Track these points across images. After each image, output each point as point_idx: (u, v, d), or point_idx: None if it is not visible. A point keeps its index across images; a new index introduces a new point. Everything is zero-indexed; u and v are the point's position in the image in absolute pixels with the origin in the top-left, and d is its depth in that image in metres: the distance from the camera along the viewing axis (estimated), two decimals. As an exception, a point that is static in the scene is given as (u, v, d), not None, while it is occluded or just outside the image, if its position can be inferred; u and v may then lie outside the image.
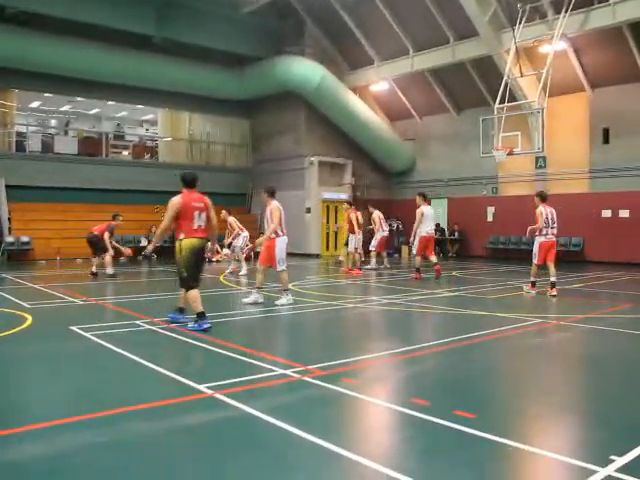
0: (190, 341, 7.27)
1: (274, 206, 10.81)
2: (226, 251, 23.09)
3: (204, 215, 8.31)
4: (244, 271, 16.29)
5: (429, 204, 15.86)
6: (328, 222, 25.92)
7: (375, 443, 4.25)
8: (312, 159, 25.33)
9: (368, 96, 26.67)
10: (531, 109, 19.99)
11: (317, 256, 24.81)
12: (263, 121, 27.79)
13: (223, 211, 16.49)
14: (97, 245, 15.25)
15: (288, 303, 10.54)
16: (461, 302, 11.07)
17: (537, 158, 22.31)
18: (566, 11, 18.70)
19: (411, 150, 27.27)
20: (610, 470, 3.54)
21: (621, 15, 18.08)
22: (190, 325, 8.06)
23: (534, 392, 5.66)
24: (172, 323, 8.39)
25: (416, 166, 27.41)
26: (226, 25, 23.93)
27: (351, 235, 17.28)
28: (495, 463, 3.79)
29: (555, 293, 11.71)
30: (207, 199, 8.49)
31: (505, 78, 19.95)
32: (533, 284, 12.31)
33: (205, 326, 7.90)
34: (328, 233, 26.00)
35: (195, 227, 8.19)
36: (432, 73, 24.24)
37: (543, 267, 12.16)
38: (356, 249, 17.13)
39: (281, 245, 10.71)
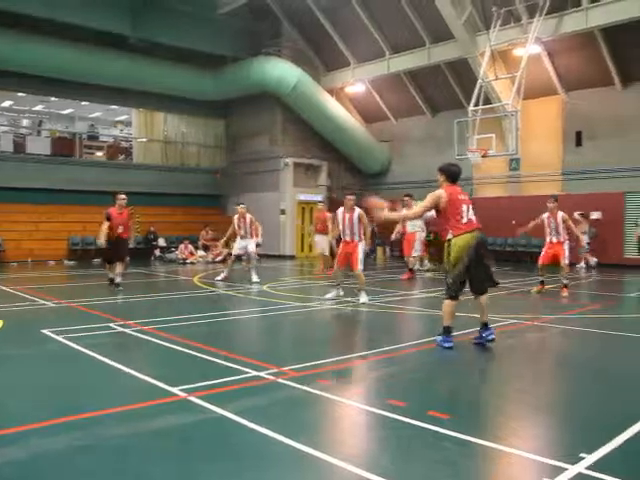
0: (164, 344, 7.21)
1: (361, 212, 11.21)
2: (201, 253, 23.05)
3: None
4: (224, 275, 15.25)
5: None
6: (303, 223, 25.90)
7: (349, 444, 4.25)
8: (287, 160, 25.30)
9: (344, 97, 26.74)
10: (505, 112, 20.17)
11: (292, 257, 24.79)
12: (238, 122, 27.71)
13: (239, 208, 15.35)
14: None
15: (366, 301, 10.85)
16: (436, 303, 11.09)
17: (511, 160, 22.49)
18: (540, 15, 18.93)
19: (386, 152, 27.36)
20: (580, 467, 3.59)
21: (593, 20, 18.38)
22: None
23: (507, 392, 5.71)
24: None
25: (391, 167, 27.49)
26: (202, 26, 23.82)
27: (321, 236, 17.01)
28: (468, 463, 3.81)
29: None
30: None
31: (480, 81, 20.11)
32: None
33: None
34: (303, 234, 25.98)
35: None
36: (408, 75, 24.37)
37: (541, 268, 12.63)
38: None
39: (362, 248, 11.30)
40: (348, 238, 11.25)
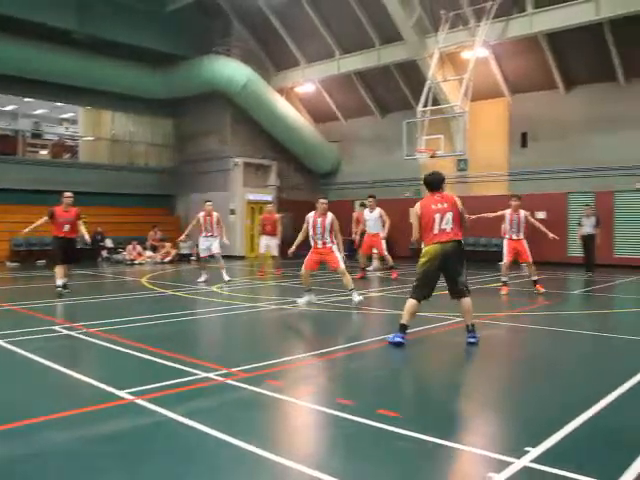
0: (111, 346, 7.07)
1: (333, 217, 10.91)
2: (149, 253, 22.71)
3: None
4: (205, 277, 14.77)
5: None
6: (253, 224, 25.77)
7: (300, 445, 4.24)
8: (237, 160, 25.17)
9: (294, 97, 26.75)
10: (453, 113, 20.47)
11: (241, 258, 24.64)
12: (188, 121, 27.42)
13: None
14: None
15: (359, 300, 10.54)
16: (386, 302, 11.20)
17: (459, 161, 22.86)
18: (487, 19, 19.31)
19: (336, 152, 27.48)
20: (525, 461, 3.66)
21: (537, 26, 18.89)
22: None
23: (456, 389, 5.79)
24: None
25: (341, 168, 27.64)
26: (151, 23, 23.48)
27: (271, 238, 16.82)
28: (417, 460, 3.84)
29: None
30: None
31: (428, 82, 20.36)
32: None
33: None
34: (253, 235, 25.86)
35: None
36: (357, 76, 24.52)
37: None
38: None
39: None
40: (320, 244, 10.68)
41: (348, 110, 26.78)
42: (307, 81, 25.64)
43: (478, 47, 19.65)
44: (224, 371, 5.88)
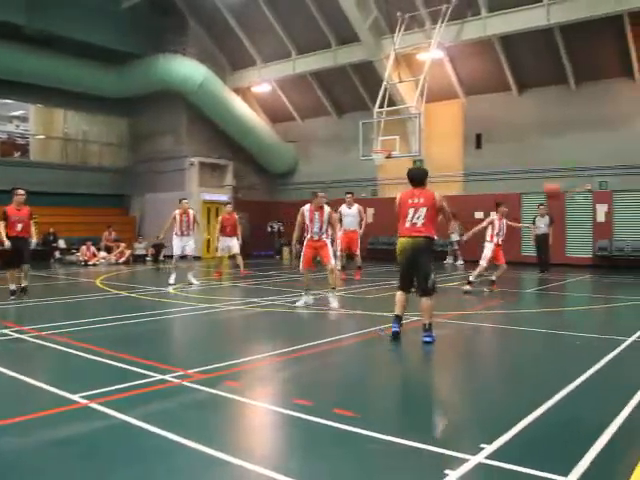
0: (64, 349, 6.93)
1: (331, 211, 11.01)
2: (103, 254, 22.33)
3: None
4: (174, 277, 14.52)
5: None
6: (209, 224, 25.57)
7: (257, 446, 4.23)
8: (193, 160, 24.99)
9: (250, 97, 26.65)
10: (409, 114, 20.67)
11: (198, 258, 24.38)
12: (143, 120, 27.06)
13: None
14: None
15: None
16: (342, 302, 11.22)
17: (415, 161, 22.98)
18: (442, 22, 19.54)
19: (293, 152, 27.47)
20: (480, 457, 3.71)
21: (491, 29, 19.22)
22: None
23: (411, 388, 5.85)
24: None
25: (298, 168, 27.64)
26: (104, 19, 23.06)
27: (228, 238, 16.49)
28: (374, 459, 3.86)
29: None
30: None
31: (385, 83, 20.51)
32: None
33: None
34: (209, 235, 25.65)
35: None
36: (314, 76, 24.55)
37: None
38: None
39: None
40: (316, 237, 10.68)
41: (305, 110, 26.79)
42: (263, 81, 25.57)
43: (433, 49, 19.88)
44: (180, 373, 5.81)
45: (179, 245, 14.67)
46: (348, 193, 16.23)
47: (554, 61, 19.65)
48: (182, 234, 14.62)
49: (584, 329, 8.71)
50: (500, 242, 13.11)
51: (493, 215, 13.51)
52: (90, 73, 24.00)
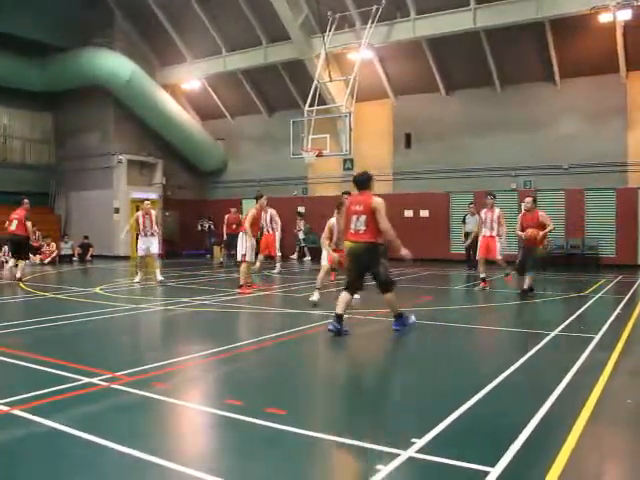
0: (-18, 351, 6.65)
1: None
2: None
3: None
4: (139, 277, 14.66)
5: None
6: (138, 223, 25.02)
7: (188, 448, 4.15)
8: (121, 157, 24.45)
9: (179, 94, 26.27)
10: (339, 113, 20.79)
11: (126, 258, 23.88)
12: (68, 116, 26.24)
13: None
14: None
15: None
16: (271, 301, 11.20)
17: (345, 160, 23.23)
18: (372, 22, 19.73)
19: (223, 150, 27.24)
20: (411, 452, 3.76)
21: (420, 31, 19.57)
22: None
23: (342, 385, 5.88)
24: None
25: (228, 166, 27.44)
26: (26, 10, 22.17)
27: (146, 238, 15.04)
28: (307, 457, 3.86)
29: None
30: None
31: (315, 82, 20.57)
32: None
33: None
34: (138, 234, 25.12)
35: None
36: (244, 74, 24.40)
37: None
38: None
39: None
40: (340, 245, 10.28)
41: (235, 108, 26.61)
42: (193, 78, 25.25)
43: (363, 49, 20.06)
44: (108, 375, 5.65)
45: (144, 245, 14.83)
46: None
47: (481, 64, 20.17)
48: (145, 235, 14.81)
49: (509, 324, 8.96)
50: (489, 234, 13.10)
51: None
52: (11, 65, 23.15)
